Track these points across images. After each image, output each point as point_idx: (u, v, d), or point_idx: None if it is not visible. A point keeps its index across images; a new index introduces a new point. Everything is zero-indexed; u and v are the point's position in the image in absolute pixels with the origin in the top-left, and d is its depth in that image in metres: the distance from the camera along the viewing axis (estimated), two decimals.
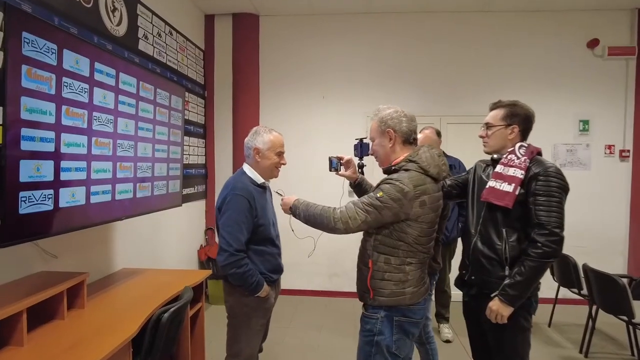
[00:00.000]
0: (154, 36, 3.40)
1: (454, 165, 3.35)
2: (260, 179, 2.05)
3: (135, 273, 2.83)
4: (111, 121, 2.11)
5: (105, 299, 2.30)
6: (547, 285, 3.79)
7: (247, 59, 4.67)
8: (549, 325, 3.85)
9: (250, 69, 4.69)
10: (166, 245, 3.70)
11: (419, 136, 2.52)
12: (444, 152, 3.65)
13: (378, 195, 1.60)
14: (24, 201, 1.57)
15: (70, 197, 1.84)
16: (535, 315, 1.86)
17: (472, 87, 4.44)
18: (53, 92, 1.70)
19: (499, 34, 4.50)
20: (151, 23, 3.37)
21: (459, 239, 2.48)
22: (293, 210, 1.81)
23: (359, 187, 2.08)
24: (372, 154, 1.89)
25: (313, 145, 4.59)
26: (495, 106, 1.93)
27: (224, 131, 4.73)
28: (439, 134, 3.49)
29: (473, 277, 1.92)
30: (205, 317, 4.02)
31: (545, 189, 1.71)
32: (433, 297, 3.66)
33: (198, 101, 4.47)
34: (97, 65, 1.97)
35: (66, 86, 1.78)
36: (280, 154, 2.08)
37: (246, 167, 2.07)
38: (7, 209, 1.50)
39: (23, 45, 1.54)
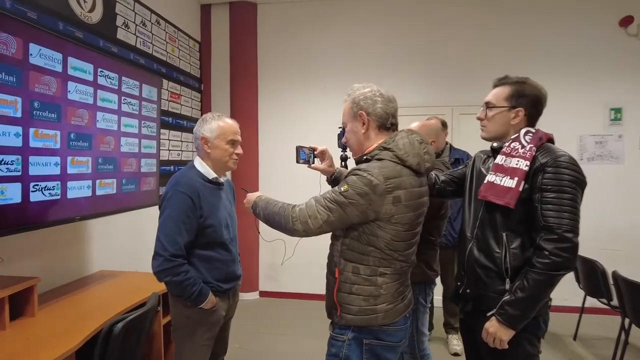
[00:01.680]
0: (136, 25, 3.21)
1: (461, 158, 3.00)
2: (211, 174, 1.80)
3: (110, 276, 2.64)
4: (57, 111, 1.89)
5: (62, 306, 2.11)
6: (573, 292, 3.38)
7: (245, 50, 4.44)
8: (574, 339, 3.42)
9: (248, 60, 4.46)
10: (151, 245, 3.51)
11: (416, 125, 2.20)
12: (450, 145, 3.32)
13: (342, 189, 1.32)
14: None
15: None
16: (553, 331, 1.52)
17: (486, 73, 3.98)
18: None
19: (516, 14, 4.07)
20: (133, 11, 3.18)
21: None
22: (253, 208, 1.55)
23: (336, 182, 1.79)
24: (345, 142, 1.59)
25: (314, 138, 4.27)
26: (500, 82, 1.59)
27: None
28: (444, 124, 3.14)
29: (468, 291, 1.61)
30: None
31: (554, 183, 1.37)
32: (438, 308, 3.35)
33: (193, 95, 4.27)
34: (33, 47, 1.75)
35: None
36: (233, 143, 1.81)
37: (196, 161, 1.83)
38: None
39: None
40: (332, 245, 1.48)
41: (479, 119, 1.67)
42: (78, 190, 2.05)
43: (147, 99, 2.65)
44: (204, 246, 1.75)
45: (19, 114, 1.69)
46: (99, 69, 2.16)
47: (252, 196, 1.59)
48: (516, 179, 1.43)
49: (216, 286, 1.79)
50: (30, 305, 1.94)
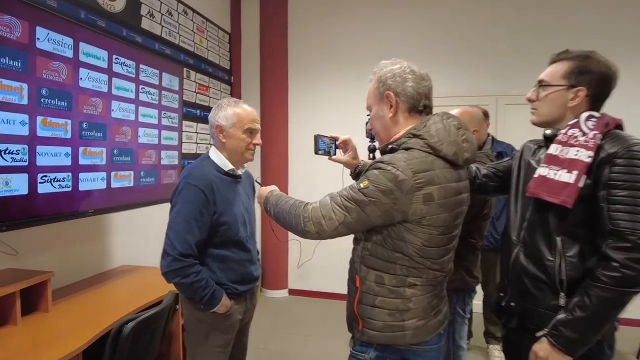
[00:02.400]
0: (162, 14, 3.13)
1: (505, 152, 2.70)
2: (227, 165, 1.64)
3: (131, 271, 2.57)
4: (67, 98, 1.81)
5: (78, 302, 2.04)
6: (636, 303, 2.97)
7: (275, 41, 4.29)
8: (638, 356, 3.03)
9: (278, 51, 4.31)
10: None
11: (454, 112, 1.95)
12: (492, 137, 3.01)
13: (362, 185, 1.11)
14: None
15: (3, 186, 1.55)
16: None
17: (535, 59, 3.61)
18: None
19: None
20: (159, 0, 3.09)
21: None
22: (264, 205, 1.38)
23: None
24: (370, 130, 1.38)
25: (347, 130, 4.09)
26: (558, 57, 1.33)
27: None
28: (486, 114, 2.84)
29: (513, 304, 1.37)
30: None
31: (627, 177, 1.11)
32: (477, 314, 3.06)
33: (222, 87, 4.18)
34: (40, 30, 1.67)
35: None
36: (251, 132, 1.64)
37: (212, 151, 1.68)
38: None
39: None
40: (353, 249, 1.28)
41: (529, 100, 1.42)
42: (91, 182, 1.97)
43: (167, 89, 2.55)
44: (218, 245, 1.61)
45: (24, 101, 1.61)
46: (114, 56, 2.07)
47: (264, 190, 1.42)
48: (575, 172, 1.17)
49: (231, 288, 1.64)
50: (44, 300, 1.89)
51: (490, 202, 1.85)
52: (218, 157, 1.65)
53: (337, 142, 1.58)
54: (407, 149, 1.14)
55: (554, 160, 1.23)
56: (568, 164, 1.18)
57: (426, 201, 1.09)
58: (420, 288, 1.17)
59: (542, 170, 1.28)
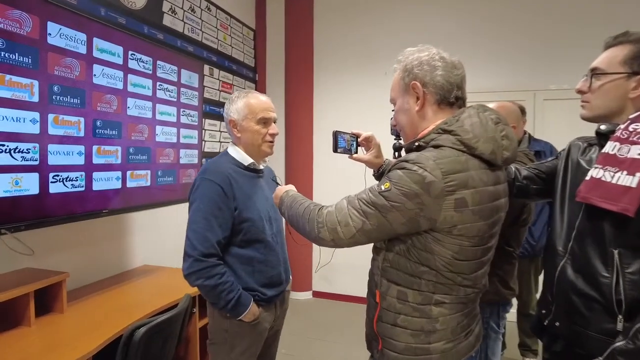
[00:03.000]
0: (184, 11, 3.08)
1: (543, 151, 2.48)
2: (247, 160, 1.54)
3: (151, 271, 2.53)
4: (81, 96, 1.76)
5: (94, 303, 2.00)
6: None
7: (300, 36, 4.19)
8: None
9: (304, 47, 4.20)
10: None
11: (491, 107, 1.77)
12: (530, 135, 2.77)
13: (383, 187, 0.98)
14: None
15: (13, 185, 1.51)
16: None
17: (577, 51, 3.34)
18: None
19: None
20: None
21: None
22: (279, 206, 1.26)
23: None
24: (394, 126, 1.24)
25: (375, 127, 3.93)
26: (615, 41, 1.15)
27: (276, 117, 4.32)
28: (522, 110, 2.62)
29: (557, 324, 1.20)
30: None
31: None
32: (511, 324, 2.85)
33: (247, 85, 4.11)
34: (52, 26, 1.62)
35: None
36: (265, 121, 1.53)
37: (230, 147, 1.58)
38: None
39: None
40: (373, 259, 1.14)
41: (579, 91, 1.24)
42: (105, 181, 1.93)
43: (187, 85, 2.48)
44: (243, 244, 1.49)
45: (35, 99, 1.57)
46: (130, 52, 2.01)
47: (280, 190, 1.30)
48: (639, 175, 0.99)
49: (259, 294, 1.52)
50: (59, 301, 1.86)
51: (529, 207, 1.66)
52: (236, 153, 1.55)
53: (358, 140, 1.44)
54: (436, 146, 1.00)
55: (610, 161, 1.06)
56: (629, 165, 1.00)
57: (458, 207, 0.94)
58: (449, 306, 1.02)
59: (595, 172, 1.11)
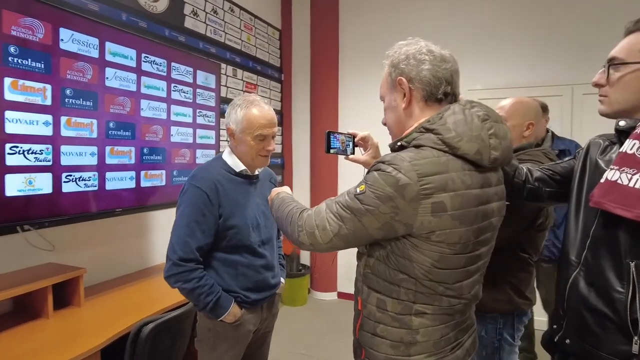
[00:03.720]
0: (207, 13, 3.13)
1: (568, 150, 2.30)
2: (239, 166, 1.54)
3: None
4: (93, 98, 1.82)
5: (111, 298, 2.07)
6: None
7: (326, 35, 4.15)
8: None
9: (329, 45, 4.15)
10: None
11: (505, 102, 1.66)
12: (553, 133, 2.57)
13: (358, 190, 0.93)
14: None
15: (26, 185, 1.59)
16: None
17: (619, 41, 3.10)
18: None
19: None
20: None
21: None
22: (270, 207, 1.24)
23: None
24: (384, 123, 1.19)
25: None
26: (636, 27, 1.04)
27: (301, 117, 4.32)
28: (544, 107, 2.44)
29: (568, 341, 1.10)
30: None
31: None
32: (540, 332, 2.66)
33: (272, 85, 4.13)
34: (63, 32, 1.69)
35: (10, 55, 1.52)
36: (261, 138, 1.51)
37: (227, 151, 1.59)
38: None
39: None
40: (357, 265, 1.09)
41: (596, 84, 1.13)
42: (119, 181, 1.98)
43: (202, 86, 2.52)
44: (227, 249, 1.51)
45: (48, 102, 1.64)
46: (143, 54, 2.06)
47: (273, 192, 1.28)
48: None
49: (242, 296, 1.54)
50: (77, 295, 1.93)
51: (547, 211, 1.53)
52: (230, 158, 1.56)
53: (355, 140, 1.39)
54: (417, 146, 0.93)
55: (628, 161, 0.95)
56: None
57: (436, 212, 0.87)
58: (431, 317, 0.95)
59: (611, 174, 1.00)
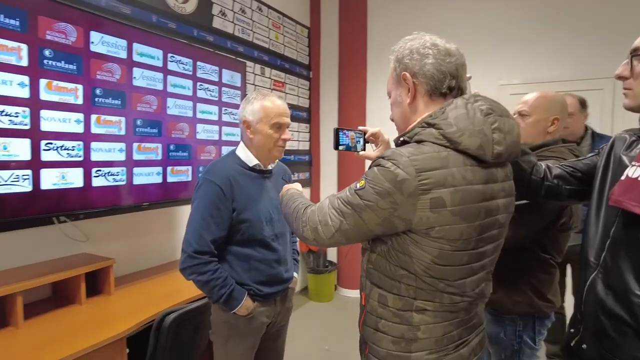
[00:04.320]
0: (234, 12, 3.20)
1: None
2: (252, 161, 1.58)
3: None
4: (122, 97, 1.91)
5: (140, 289, 2.17)
6: None
7: (354, 32, 4.13)
8: None
9: (357, 43, 4.14)
10: None
11: (529, 97, 1.59)
12: (592, 132, 2.43)
13: (358, 185, 0.93)
14: None
15: (60, 179, 1.70)
16: None
17: None
18: (25, 63, 1.57)
19: None
20: None
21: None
22: (280, 203, 1.28)
23: None
24: (392, 120, 1.18)
25: None
26: None
27: (329, 114, 4.33)
28: (583, 103, 2.32)
29: (584, 347, 1.07)
30: (295, 315, 3.76)
31: None
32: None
33: (300, 83, 4.17)
34: (93, 35, 1.78)
35: (46, 57, 1.62)
36: (279, 127, 1.55)
37: (240, 146, 1.63)
38: None
39: None
40: (361, 261, 1.10)
41: (619, 77, 1.08)
42: (146, 176, 2.08)
43: (228, 85, 2.58)
44: (241, 243, 1.55)
45: (80, 101, 1.74)
46: (169, 54, 2.14)
47: (284, 188, 1.31)
48: None
49: (255, 289, 1.58)
50: (107, 284, 2.04)
51: (570, 210, 1.46)
52: (244, 153, 1.60)
53: (366, 136, 1.38)
54: (419, 141, 0.92)
55: None
56: None
57: (434, 207, 0.85)
58: (432, 314, 0.94)
59: (631, 171, 0.96)
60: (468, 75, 1.34)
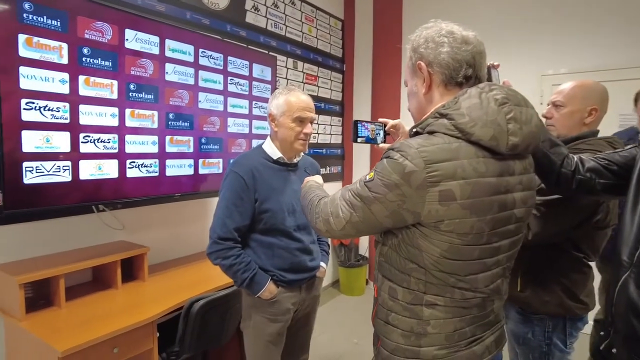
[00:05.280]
0: (267, 7, 3.24)
1: None
2: (276, 154, 1.64)
3: None
4: (154, 92, 1.99)
5: (172, 276, 2.26)
6: None
7: (389, 26, 4.07)
8: None
9: (392, 36, 4.06)
10: None
11: (566, 85, 1.50)
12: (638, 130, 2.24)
13: (367, 177, 0.93)
14: (29, 171, 1.58)
15: (96, 170, 1.80)
16: None
17: None
18: (66, 61, 1.66)
19: None
20: None
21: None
22: (300, 196, 1.29)
23: None
24: (409, 110, 1.16)
25: None
26: None
27: (363, 108, 4.29)
28: (637, 98, 2.15)
29: (614, 350, 1.01)
30: (325, 308, 3.79)
31: None
32: None
33: (333, 76, 4.15)
34: (129, 32, 1.86)
35: (84, 55, 1.72)
36: (301, 121, 1.60)
37: (267, 140, 1.70)
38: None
39: (18, 13, 1.52)
40: (375, 253, 1.09)
41: None
42: (178, 168, 2.16)
43: (258, 79, 2.62)
44: (264, 232, 1.62)
45: (114, 96, 1.83)
46: (200, 50, 2.20)
47: (305, 182, 1.32)
48: None
49: (278, 275, 1.63)
50: (142, 271, 2.15)
51: (607, 206, 1.37)
52: (269, 146, 1.66)
53: (386, 128, 1.36)
54: (431, 132, 0.90)
55: None
56: None
57: (443, 200, 0.83)
58: (443, 309, 0.91)
59: None
60: (496, 63, 1.28)
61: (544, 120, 1.52)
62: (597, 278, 1.86)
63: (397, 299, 0.95)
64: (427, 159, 0.82)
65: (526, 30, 3.38)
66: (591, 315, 1.60)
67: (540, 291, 1.43)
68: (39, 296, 1.81)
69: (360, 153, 4.33)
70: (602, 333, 1.08)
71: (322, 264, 1.80)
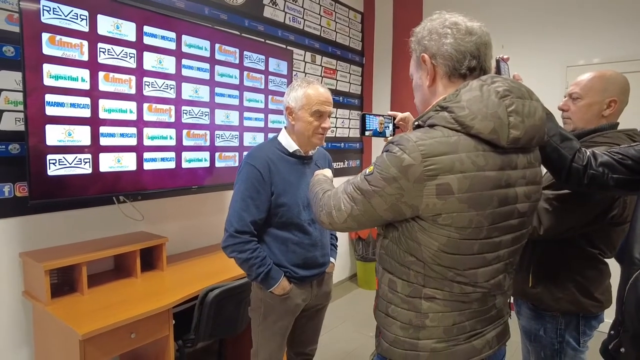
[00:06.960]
0: (285, 1, 3.25)
1: None
2: (293, 146, 1.63)
3: None
4: (171, 87, 2.05)
5: (189, 267, 2.33)
6: None
7: (409, 19, 3.99)
8: None
9: (412, 26, 3.98)
10: None
11: (583, 78, 1.45)
12: None
13: (367, 171, 0.93)
14: (53, 163, 1.66)
15: (116, 162, 1.87)
16: None
17: None
18: (86, 58, 1.73)
19: None
20: None
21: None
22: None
23: None
24: (415, 103, 1.15)
25: None
26: None
27: (382, 101, 4.26)
28: None
29: (623, 350, 0.99)
30: (342, 301, 3.81)
31: None
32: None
33: (352, 69, 4.13)
34: (147, 29, 1.92)
35: (103, 52, 1.78)
36: (320, 115, 1.57)
37: (282, 132, 1.68)
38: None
39: (42, 12, 1.59)
40: (376, 246, 1.10)
41: None
42: (195, 161, 2.21)
43: (274, 73, 2.64)
44: (279, 226, 1.62)
45: (133, 91, 1.90)
46: (217, 45, 2.24)
47: (315, 175, 1.33)
48: None
49: (291, 271, 1.63)
50: (160, 261, 2.22)
51: (624, 201, 1.32)
52: (285, 138, 1.64)
53: (395, 121, 1.36)
54: (431, 125, 0.89)
55: None
56: None
57: (441, 194, 0.83)
58: (442, 303, 0.91)
59: None
60: (505, 56, 1.25)
61: (560, 112, 1.48)
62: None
63: (397, 292, 0.96)
64: (424, 153, 0.82)
65: (550, 22, 3.26)
66: (608, 314, 1.55)
67: (552, 287, 1.40)
68: (64, 282, 1.91)
69: (379, 147, 4.30)
70: (611, 332, 1.05)
71: (331, 259, 1.81)
